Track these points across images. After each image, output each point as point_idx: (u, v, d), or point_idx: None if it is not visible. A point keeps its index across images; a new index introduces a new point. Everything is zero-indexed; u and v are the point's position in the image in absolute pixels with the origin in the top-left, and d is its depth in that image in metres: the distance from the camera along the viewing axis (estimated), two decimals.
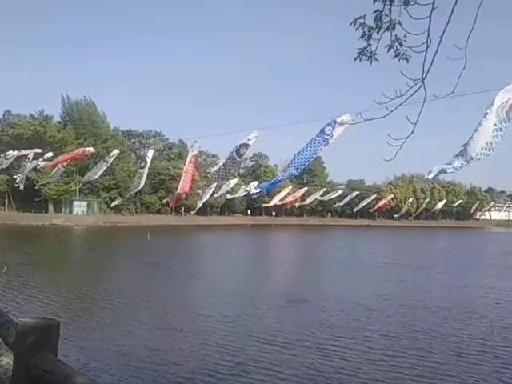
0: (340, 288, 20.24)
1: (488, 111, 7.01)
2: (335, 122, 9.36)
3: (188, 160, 16.65)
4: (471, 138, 7.15)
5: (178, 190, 19.10)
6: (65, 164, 26.71)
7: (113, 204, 59.07)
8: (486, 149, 7.14)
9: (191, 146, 16.08)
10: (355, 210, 60.66)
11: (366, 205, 52.95)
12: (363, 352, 10.66)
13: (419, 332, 12.57)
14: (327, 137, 9.48)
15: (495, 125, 7.01)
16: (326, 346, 11.07)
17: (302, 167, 10.11)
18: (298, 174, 10.68)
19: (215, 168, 14.27)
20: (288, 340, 11.41)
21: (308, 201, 49.54)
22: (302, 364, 9.81)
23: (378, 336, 12.04)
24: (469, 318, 14.47)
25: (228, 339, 11.67)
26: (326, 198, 50.81)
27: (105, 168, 23.15)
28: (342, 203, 55.26)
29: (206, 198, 38.65)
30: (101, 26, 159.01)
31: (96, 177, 24.73)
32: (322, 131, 9.48)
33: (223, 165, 12.48)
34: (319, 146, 9.58)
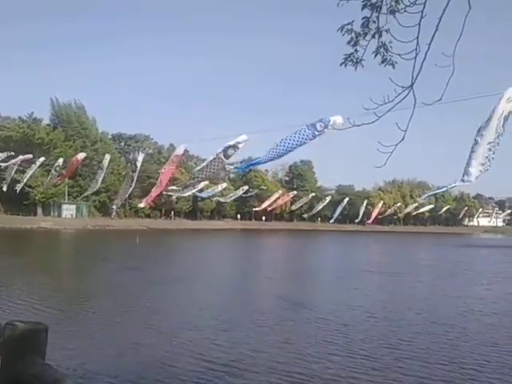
0: (319, 297, 19.57)
1: (482, 132, 7.09)
2: (328, 121, 9.33)
3: (170, 159, 16.37)
4: (470, 158, 7.23)
5: (153, 190, 18.76)
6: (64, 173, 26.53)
7: (112, 216, 58.64)
8: (485, 165, 7.21)
9: (179, 146, 15.76)
10: (357, 221, 60.83)
11: (358, 213, 53.34)
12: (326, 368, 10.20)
13: (386, 347, 11.94)
14: (317, 133, 9.42)
15: (490, 143, 7.08)
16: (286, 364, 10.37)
17: (286, 154, 9.99)
18: (277, 159, 10.46)
19: (199, 167, 14.07)
20: (245, 357, 10.75)
21: (294, 207, 49.80)
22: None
23: (342, 349, 11.55)
24: (446, 332, 13.97)
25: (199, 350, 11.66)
26: (314, 210, 50.90)
27: (103, 175, 23.01)
28: (334, 218, 55.73)
29: (185, 194, 38.62)
30: (90, 29, 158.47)
31: (98, 185, 24.65)
32: (314, 126, 9.43)
33: (208, 164, 12.33)
34: (306, 139, 9.50)
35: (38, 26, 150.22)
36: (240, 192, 50.17)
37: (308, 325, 14.25)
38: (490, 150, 7.08)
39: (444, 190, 8.23)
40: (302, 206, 53.47)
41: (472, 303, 18.78)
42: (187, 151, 76.60)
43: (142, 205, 19.73)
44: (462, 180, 7.39)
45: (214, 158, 12.03)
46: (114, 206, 52.26)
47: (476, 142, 7.11)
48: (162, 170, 17.14)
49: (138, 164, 20.06)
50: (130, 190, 19.99)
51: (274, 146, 9.92)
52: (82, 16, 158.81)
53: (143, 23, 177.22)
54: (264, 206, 45.92)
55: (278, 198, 49.14)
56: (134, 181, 19.95)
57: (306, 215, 59.88)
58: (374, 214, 57.29)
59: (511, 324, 15.04)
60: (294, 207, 50.70)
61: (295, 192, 53.45)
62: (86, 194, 35.93)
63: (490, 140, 7.00)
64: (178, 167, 16.86)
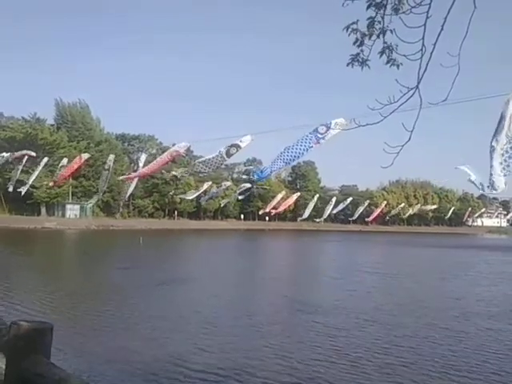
0: (317, 300, 18.71)
1: (498, 137, 7.00)
2: (329, 124, 9.37)
3: (168, 152, 16.35)
4: (492, 166, 7.11)
5: (145, 170, 18.83)
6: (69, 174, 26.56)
7: (117, 215, 58.85)
8: (506, 170, 7.07)
9: (180, 144, 15.64)
10: (351, 219, 60.78)
11: (360, 212, 53.09)
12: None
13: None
14: (320, 136, 9.46)
15: (506, 145, 6.96)
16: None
17: (292, 162, 10.07)
18: (285, 167, 10.61)
19: (202, 159, 14.11)
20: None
21: (306, 214, 49.17)
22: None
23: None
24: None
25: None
26: (324, 214, 50.46)
27: (109, 175, 23.21)
28: (335, 211, 54.92)
29: (190, 197, 38.35)
30: (92, 29, 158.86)
31: (105, 186, 24.84)
32: (316, 130, 9.50)
33: (209, 160, 12.37)
34: (311, 144, 9.56)
35: (42, 26, 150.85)
36: (243, 187, 50.12)
37: (303, 328, 14.01)
38: (505, 153, 6.94)
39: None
40: (304, 207, 53.47)
41: (470, 305, 18.50)
42: (191, 151, 76.63)
43: (121, 177, 19.68)
44: (489, 189, 7.28)
45: (217, 155, 12.07)
46: (120, 205, 52.40)
47: (493, 148, 6.99)
48: (159, 157, 17.11)
49: (141, 164, 20.13)
50: (131, 189, 20.08)
51: (279, 154, 9.99)
52: (85, 15, 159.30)
53: (146, 23, 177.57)
54: (270, 207, 45.99)
55: (283, 198, 49.14)
56: (136, 180, 19.98)
57: (318, 219, 59.61)
58: (375, 213, 57.45)
59: (505, 326, 14.81)
60: (305, 214, 50.60)
61: (299, 193, 53.44)
62: (97, 194, 36.09)
63: (502, 144, 6.89)
64: (173, 160, 16.77)
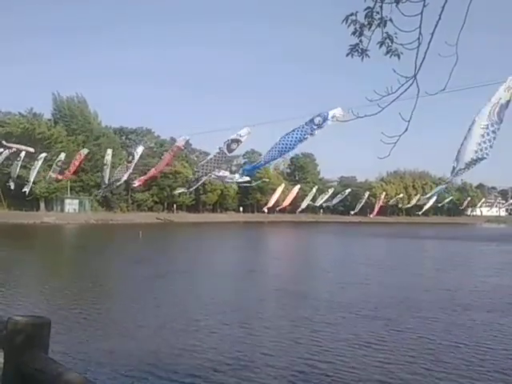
0: (313, 293, 18.78)
1: (476, 118, 6.95)
2: (326, 115, 9.27)
3: (170, 149, 16.48)
4: (462, 145, 7.09)
5: (153, 172, 19.02)
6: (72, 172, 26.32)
7: (98, 196, 58.19)
8: (480, 152, 7.01)
9: (179, 138, 15.58)
10: (353, 212, 60.26)
11: (361, 205, 53.00)
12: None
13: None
14: (315, 127, 9.35)
15: (487, 128, 6.91)
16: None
17: (285, 153, 9.99)
18: (280, 158, 10.56)
19: (203, 162, 14.09)
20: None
21: (304, 204, 48.92)
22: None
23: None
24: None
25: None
26: (317, 202, 50.16)
27: (108, 170, 23.22)
28: (332, 203, 54.42)
29: (190, 189, 38.26)
30: (89, 22, 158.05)
31: (106, 180, 24.76)
32: (312, 120, 9.37)
33: (212, 159, 12.29)
34: (305, 135, 9.45)
35: (39, 20, 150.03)
36: (239, 179, 49.61)
37: (296, 322, 13.89)
38: (483, 136, 6.90)
39: (444, 186, 8.16)
40: (302, 199, 53.38)
41: (463, 296, 18.43)
42: (190, 144, 76.33)
43: (135, 184, 20.14)
44: (453, 167, 7.24)
45: (218, 153, 11.99)
46: (101, 190, 51.08)
47: (469, 129, 6.99)
48: (162, 157, 17.34)
49: (136, 156, 20.00)
50: (124, 178, 19.93)
51: (273, 146, 9.91)
52: (81, 8, 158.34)
53: (144, 15, 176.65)
54: (272, 201, 45.70)
55: (283, 192, 48.82)
56: (130, 171, 19.86)
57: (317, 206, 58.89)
58: (377, 207, 56.99)
59: (497, 318, 14.73)
60: (303, 205, 50.33)
61: (299, 186, 53.06)
62: (101, 190, 35.83)
63: (482, 126, 6.85)
64: (175, 156, 16.84)
